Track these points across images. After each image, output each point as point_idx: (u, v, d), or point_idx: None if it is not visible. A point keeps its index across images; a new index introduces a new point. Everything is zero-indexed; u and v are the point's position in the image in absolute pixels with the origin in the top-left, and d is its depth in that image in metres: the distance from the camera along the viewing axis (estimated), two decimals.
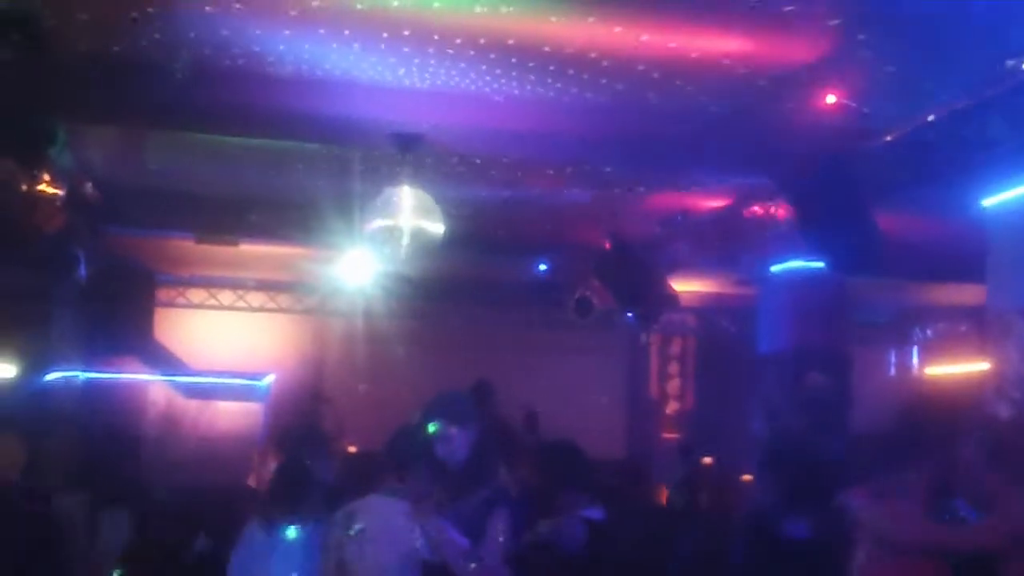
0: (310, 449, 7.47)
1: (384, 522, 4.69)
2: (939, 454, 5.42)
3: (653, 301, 10.05)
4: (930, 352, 14.91)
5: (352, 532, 4.71)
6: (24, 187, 6.89)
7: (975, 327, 13.77)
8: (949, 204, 8.14)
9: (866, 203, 6.69)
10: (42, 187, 7.05)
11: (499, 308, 14.19)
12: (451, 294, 13.73)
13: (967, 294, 12.94)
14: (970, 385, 13.91)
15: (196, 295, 14.31)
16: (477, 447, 4.95)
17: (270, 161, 8.99)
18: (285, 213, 10.81)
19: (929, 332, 14.76)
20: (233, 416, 14.81)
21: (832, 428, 10.77)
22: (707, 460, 13.11)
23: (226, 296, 14.40)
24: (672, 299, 10.29)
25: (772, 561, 5.54)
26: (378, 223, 7.82)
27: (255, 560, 5.51)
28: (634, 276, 9.77)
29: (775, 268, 10.92)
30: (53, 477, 11.25)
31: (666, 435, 15.14)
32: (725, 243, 9.36)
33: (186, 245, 11.94)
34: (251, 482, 9.67)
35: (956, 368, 14.29)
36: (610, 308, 12.03)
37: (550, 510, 5.65)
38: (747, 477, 10.87)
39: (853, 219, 6.70)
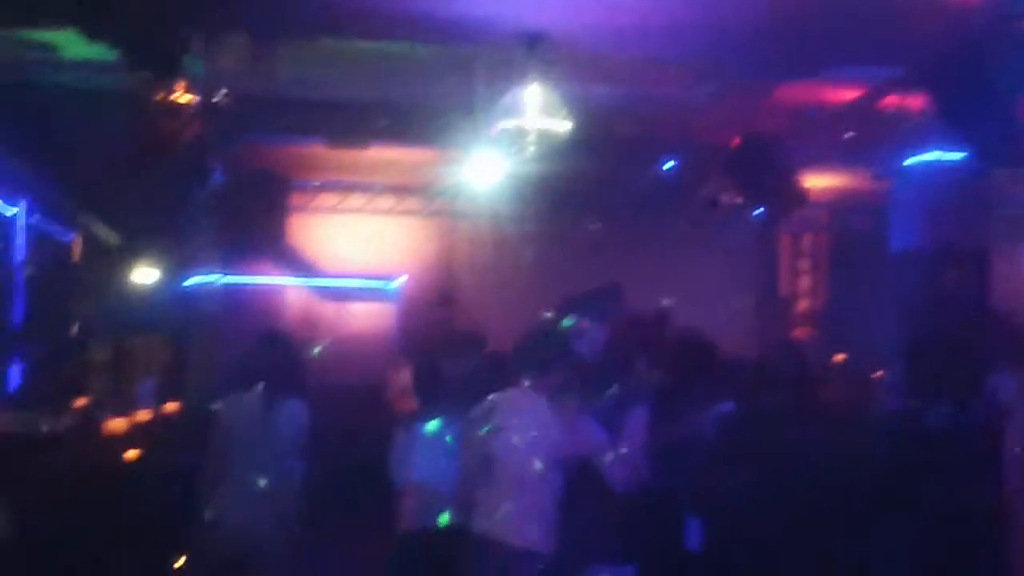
0: (445, 348, 7.55)
1: (525, 417, 4.72)
2: None
3: (784, 198, 9.87)
4: None
5: (493, 427, 4.76)
6: (161, 97, 7.04)
7: None
8: None
9: (1009, 91, 6.43)
10: (178, 97, 7.21)
11: (626, 208, 14.08)
12: (577, 194, 13.68)
13: None
14: None
15: (328, 199, 14.53)
16: (613, 342, 4.97)
17: (396, 65, 9.04)
18: (412, 116, 10.90)
19: None
20: (367, 317, 15.18)
21: (973, 325, 10.56)
22: (839, 357, 12.97)
23: (356, 200, 14.58)
24: (803, 196, 10.08)
25: (918, 452, 5.42)
26: (505, 123, 7.83)
27: (401, 456, 5.66)
28: (764, 172, 9.59)
29: (910, 161, 10.61)
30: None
31: (797, 332, 14.96)
32: (859, 136, 9.09)
33: (317, 151, 12.11)
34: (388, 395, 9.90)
35: None
36: (739, 205, 11.86)
37: (686, 405, 5.65)
38: (880, 374, 10.75)
39: (996, 108, 6.44)
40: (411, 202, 14.79)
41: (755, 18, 7.45)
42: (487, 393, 5.03)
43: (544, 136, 7.77)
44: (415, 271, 14.99)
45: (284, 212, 13.90)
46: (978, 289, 10.72)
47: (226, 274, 13.82)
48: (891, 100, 8.55)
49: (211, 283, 13.82)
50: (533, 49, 7.82)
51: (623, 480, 4.68)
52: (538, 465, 4.70)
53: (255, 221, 13.10)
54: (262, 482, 5.83)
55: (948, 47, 6.41)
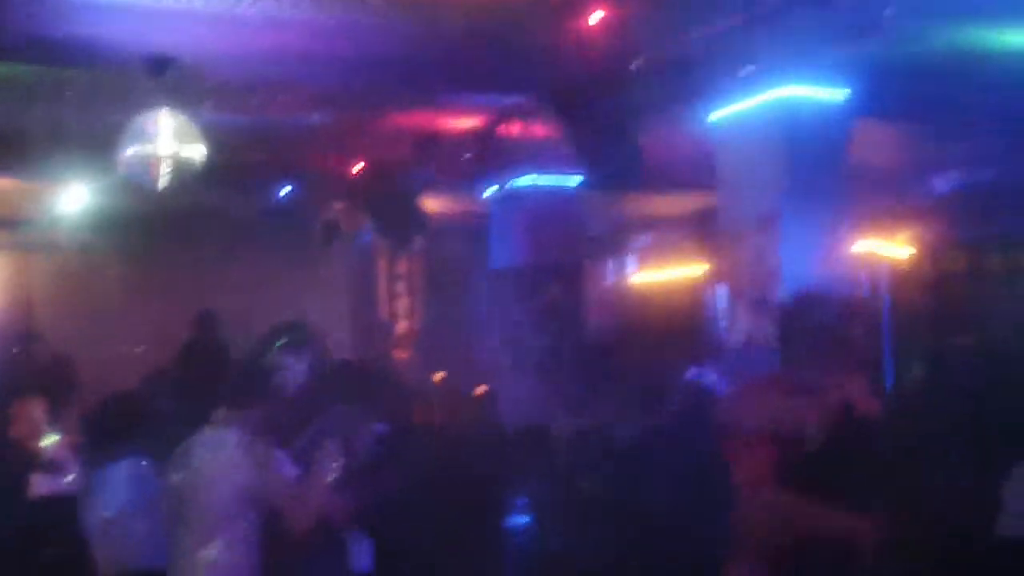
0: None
1: (216, 456, 4.60)
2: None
3: (410, 223, 10.15)
4: (646, 260, 15.84)
5: (188, 469, 4.62)
6: None
7: (689, 235, 14.78)
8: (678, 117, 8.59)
9: (631, 120, 7.05)
10: None
11: (228, 239, 13.95)
12: (177, 226, 13.37)
13: (677, 204, 13.84)
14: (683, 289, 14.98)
15: None
16: (313, 378, 4.95)
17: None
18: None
19: (647, 240, 15.63)
20: None
21: (568, 337, 11.37)
22: (438, 376, 13.45)
23: None
24: (425, 221, 10.43)
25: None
26: (135, 150, 7.53)
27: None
28: (390, 199, 9.82)
29: (510, 184, 11.24)
30: None
31: (398, 354, 15.33)
32: (478, 162, 9.55)
33: None
34: (14, 432, 9.22)
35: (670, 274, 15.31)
36: (356, 232, 12.06)
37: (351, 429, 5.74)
38: (479, 391, 11.22)
39: (620, 136, 7.03)
40: None
41: (383, 50, 7.66)
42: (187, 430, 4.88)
43: (179, 162, 7.56)
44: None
45: None
46: (575, 303, 11.56)
47: None
48: (511, 127, 9.02)
49: None
50: (161, 73, 7.59)
51: (301, 517, 4.62)
52: (227, 506, 4.56)
53: None
54: None
55: (578, 79, 6.93)
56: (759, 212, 8.11)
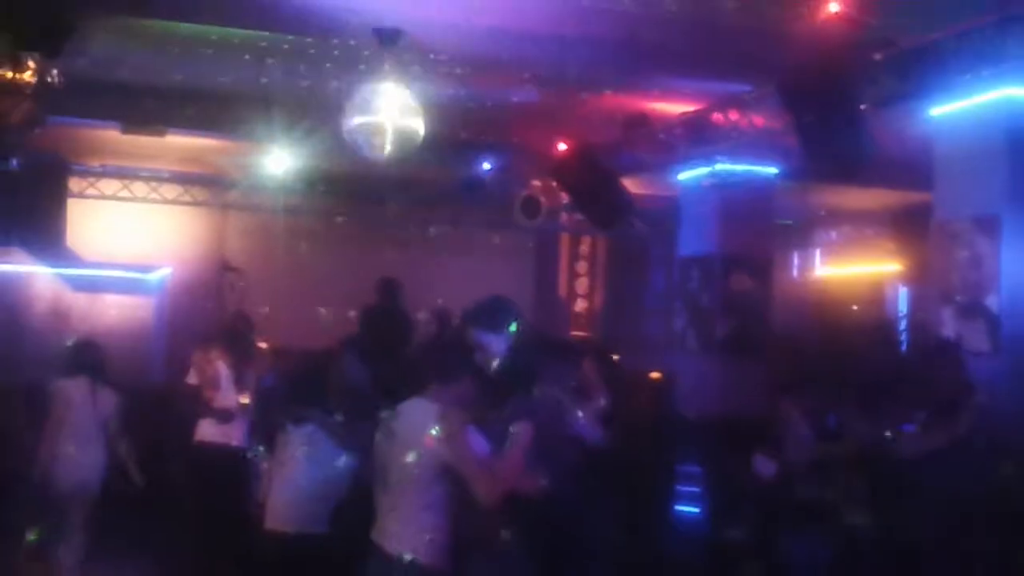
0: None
1: (412, 423, 4.74)
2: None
3: (613, 205, 10.18)
4: (833, 254, 15.59)
5: (391, 435, 4.77)
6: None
7: (880, 230, 14.47)
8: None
9: (862, 112, 6.93)
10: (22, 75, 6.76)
11: (426, 209, 14.25)
12: (380, 192, 13.71)
13: (869, 198, 13.55)
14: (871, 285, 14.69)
15: (109, 186, 13.86)
16: (517, 355, 5.02)
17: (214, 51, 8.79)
18: (216, 105, 10.61)
19: (834, 234, 15.37)
20: (123, 310, 14.62)
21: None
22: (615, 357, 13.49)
23: (140, 188, 13.98)
24: (630, 203, 10.44)
25: None
26: (360, 119, 7.74)
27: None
28: (595, 179, 9.86)
29: (707, 171, 11.18)
30: None
31: (574, 333, 15.44)
32: (687, 148, 9.52)
33: (108, 135, 11.60)
34: (191, 379, 9.65)
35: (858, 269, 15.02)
36: (556, 208, 12.16)
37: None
38: (654, 375, 11.20)
39: (851, 127, 6.92)
40: (198, 192, 14.32)
41: (605, 31, 7.70)
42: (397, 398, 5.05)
43: (401, 134, 7.74)
44: (191, 261, 14.51)
45: (57, 197, 13.20)
46: (762, 292, 11.46)
47: None
48: (730, 115, 8.94)
49: None
50: (388, 45, 7.77)
51: (488, 491, 4.69)
52: (414, 470, 4.69)
53: (31, 205, 12.37)
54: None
55: (809, 69, 6.83)
56: (978, 212, 7.86)
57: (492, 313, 5.24)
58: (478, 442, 4.75)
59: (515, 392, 5.05)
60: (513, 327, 5.22)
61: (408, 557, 4.62)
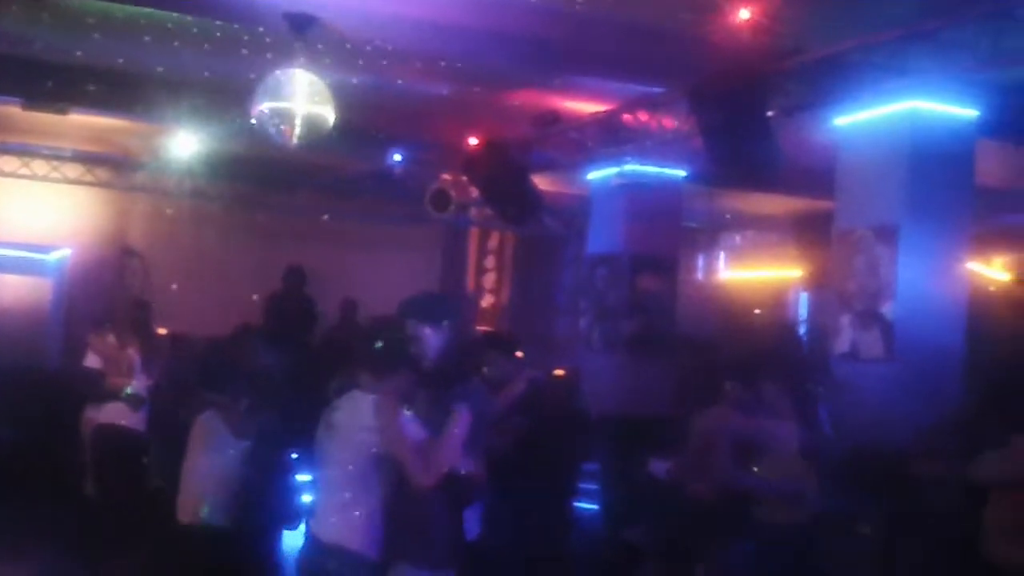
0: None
1: (349, 416, 4.77)
2: None
3: (522, 201, 10.19)
4: (738, 257, 15.81)
5: (329, 425, 4.80)
6: None
7: (784, 236, 14.72)
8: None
9: (768, 119, 7.03)
10: None
11: (334, 197, 14.12)
12: (289, 179, 13.56)
13: (773, 204, 13.77)
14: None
15: (8, 163, 13.50)
16: (451, 347, 5.07)
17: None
18: (122, 85, 10.40)
19: (738, 239, 15.59)
20: (19, 290, 14.35)
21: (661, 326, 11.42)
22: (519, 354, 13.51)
23: (40, 166, 13.65)
24: (540, 200, 10.46)
25: None
26: (270, 105, 7.65)
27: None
28: (505, 175, 9.86)
29: (617, 171, 11.25)
30: None
31: (481, 328, 15.43)
32: (597, 148, 9.56)
33: (9, 110, 11.31)
34: (89, 362, 9.54)
35: (761, 274, 15.26)
36: (466, 202, 12.14)
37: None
38: (559, 372, 11.25)
39: (758, 133, 7.02)
40: (101, 172, 14.01)
41: (514, 24, 7.70)
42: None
43: (310, 121, 7.66)
44: (91, 243, 14.22)
45: None
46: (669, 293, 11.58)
47: None
48: (639, 116, 9.01)
49: None
50: (302, 32, 7.68)
51: (423, 475, 4.74)
52: (350, 463, 4.74)
53: None
54: None
55: (720, 74, 6.91)
56: (878, 221, 8.02)
57: (430, 306, 5.27)
58: (413, 428, 4.81)
59: (450, 384, 5.10)
60: (449, 321, 5.26)
61: (345, 546, 4.67)
